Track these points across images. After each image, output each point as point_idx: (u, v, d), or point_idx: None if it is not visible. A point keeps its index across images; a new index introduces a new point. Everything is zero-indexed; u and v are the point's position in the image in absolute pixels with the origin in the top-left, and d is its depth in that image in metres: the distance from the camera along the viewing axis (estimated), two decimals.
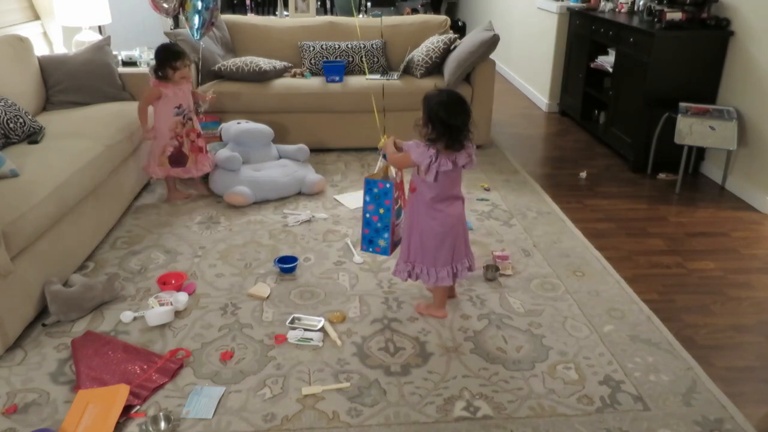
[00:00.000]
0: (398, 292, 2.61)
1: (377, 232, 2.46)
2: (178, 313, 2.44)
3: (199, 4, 3.43)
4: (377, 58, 4.57)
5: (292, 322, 2.36)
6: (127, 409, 1.93)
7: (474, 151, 2.25)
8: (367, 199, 2.42)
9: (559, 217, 3.34)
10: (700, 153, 3.99)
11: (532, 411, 1.96)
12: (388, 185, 2.38)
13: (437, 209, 2.26)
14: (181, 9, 3.57)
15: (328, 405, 1.97)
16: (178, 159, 3.36)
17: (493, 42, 4.08)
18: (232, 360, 2.18)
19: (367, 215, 2.45)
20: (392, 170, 2.43)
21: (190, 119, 3.39)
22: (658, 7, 4.04)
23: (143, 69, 4.00)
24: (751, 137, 3.56)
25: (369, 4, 7.37)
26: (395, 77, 4.36)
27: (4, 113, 2.83)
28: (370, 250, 2.52)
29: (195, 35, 3.57)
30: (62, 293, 2.39)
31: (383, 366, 2.15)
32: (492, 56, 4.25)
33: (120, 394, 1.95)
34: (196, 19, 3.48)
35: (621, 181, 3.92)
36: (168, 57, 3.27)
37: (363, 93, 4.21)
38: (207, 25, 3.58)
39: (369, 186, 2.40)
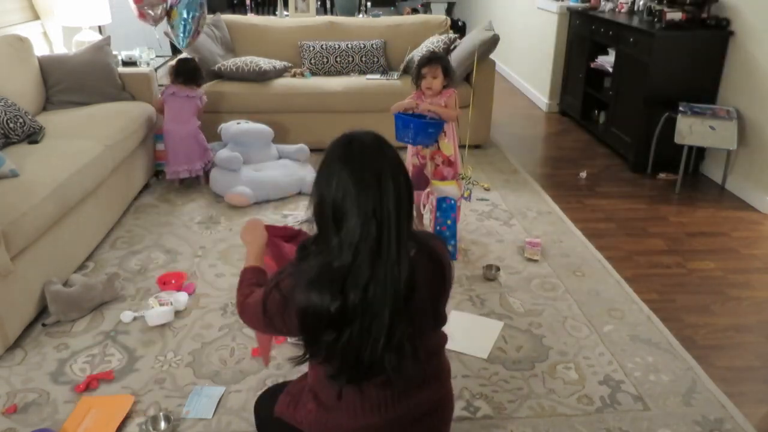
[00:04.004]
0: None
1: (445, 239, 2.81)
2: (178, 313, 2.44)
3: (185, 13, 3.46)
4: (377, 58, 4.57)
5: None
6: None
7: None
8: (438, 214, 2.80)
9: (559, 217, 3.34)
10: (700, 153, 3.99)
11: (532, 411, 1.96)
12: (453, 201, 2.80)
13: None
14: (167, 18, 3.60)
15: None
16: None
17: (493, 42, 4.08)
18: (232, 360, 2.18)
19: (438, 227, 2.82)
20: (462, 188, 2.91)
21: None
22: (658, 7, 4.03)
23: (143, 69, 4.00)
24: (751, 137, 3.56)
25: (369, 4, 7.37)
26: (395, 77, 4.36)
27: (4, 113, 2.83)
28: None
29: (181, 44, 3.62)
30: (62, 293, 2.39)
31: None
32: (492, 56, 4.25)
33: (124, 404, 1.95)
34: (182, 28, 3.52)
35: (621, 181, 3.92)
36: None
37: (363, 93, 4.21)
38: (193, 34, 3.61)
39: (439, 202, 2.78)
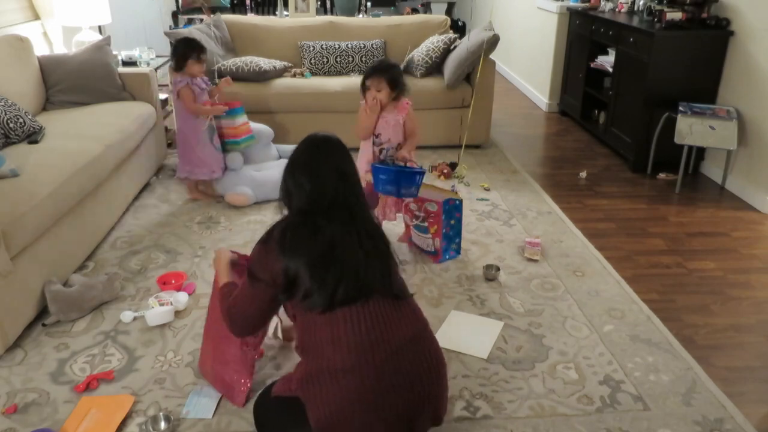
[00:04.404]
0: None
1: (450, 239, 2.84)
2: (178, 313, 2.44)
3: None
4: (377, 58, 4.56)
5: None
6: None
7: None
8: (443, 217, 2.75)
9: (559, 217, 3.34)
10: (700, 153, 3.99)
11: (532, 411, 1.96)
12: (457, 202, 2.80)
13: None
14: None
15: None
16: None
17: (493, 42, 4.08)
18: None
19: (443, 230, 2.78)
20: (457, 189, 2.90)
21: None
22: (658, 7, 4.04)
23: (143, 69, 4.00)
24: (751, 137, 3.56)
25: (369, 4, 7.37)
26: None
27: (4, 113, 2.83)
28: (447, 257, 2.86)
29: (224, 1, 3.54)
30: (62, 293, 2.39)
31: None
32: (492, 56, 4.25)
33: (124, 404, 1.95)
34: None
35: (621, 181, 3.92)
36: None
37: None
38: None
39: (444, 206, 2.73)
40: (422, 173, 2.65)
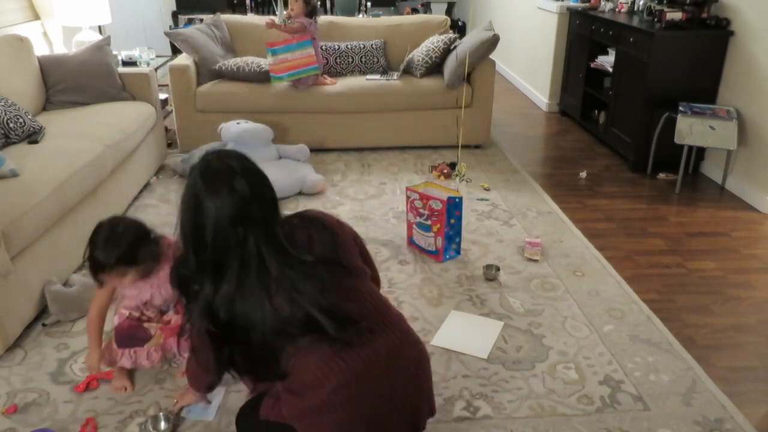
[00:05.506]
0: (398, 292, 2.61)
1: (450, 239, 2.84)
2: None
3: None
4: (377, 58, 4.57)
5: None
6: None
7: None
8: (445, 215, 2.76)
9: (559, 217, 3.34)
10: (700, 153, 3.99)
11: (532, 411, 1.96)
12: (456, 199, 2.78)
13: None
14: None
15: None
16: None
17: (493, 42, 4.08)
18: None
19: (444, 230, 2.79)
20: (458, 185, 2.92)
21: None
22: (658, 7, 4.04)
23: (143, 69, 4.00)
24: (751, 137, 3.56)
25: (369, 4, 7.38)
26: (395, 77, 4.36)
27: (4, 113, 2.83)
28: (447, 257, 2.86)
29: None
30: (62, 293, 2.39)
31: None
32: (492, 56, 4.25)
33: None
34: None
35: (621, 181, 3.92)
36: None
37: (362, 93, 4.21)
38: None
39: (447, 206, 2.74)
40: None
